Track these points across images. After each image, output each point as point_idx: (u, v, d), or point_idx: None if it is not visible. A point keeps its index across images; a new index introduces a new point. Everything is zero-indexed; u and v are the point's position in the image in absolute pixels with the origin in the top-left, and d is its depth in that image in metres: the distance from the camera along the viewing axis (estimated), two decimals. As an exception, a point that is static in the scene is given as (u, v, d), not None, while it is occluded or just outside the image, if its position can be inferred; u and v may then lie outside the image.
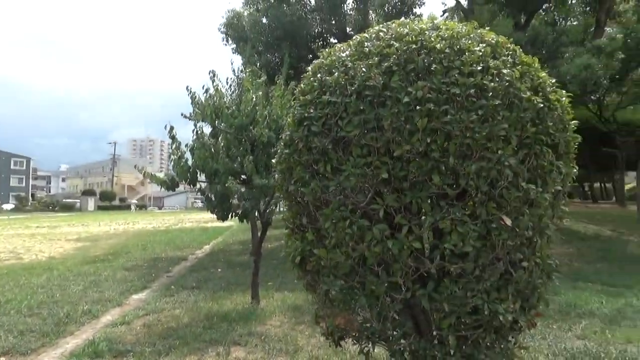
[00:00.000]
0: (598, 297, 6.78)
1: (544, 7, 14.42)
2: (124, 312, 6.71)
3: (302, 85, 3.10)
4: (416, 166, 2.53)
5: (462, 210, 2.51)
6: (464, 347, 2.75)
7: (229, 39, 17.05)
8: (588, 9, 14.79)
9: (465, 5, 16.92)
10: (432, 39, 2.71)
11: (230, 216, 7.09)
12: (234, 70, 8.17)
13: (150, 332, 5.65)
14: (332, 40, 16.93)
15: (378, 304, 2.69)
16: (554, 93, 2.80)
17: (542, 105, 2.65)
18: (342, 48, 3.06)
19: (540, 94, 2.72)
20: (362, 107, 2.64)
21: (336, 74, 2.82)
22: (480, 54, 2.67)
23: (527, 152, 2.63)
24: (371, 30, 3.04)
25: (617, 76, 13.76)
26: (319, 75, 2.97)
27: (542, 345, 4.61)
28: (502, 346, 2.82)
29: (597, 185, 41.94)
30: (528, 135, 2.61)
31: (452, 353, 2.69)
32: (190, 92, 6.87)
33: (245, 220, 7.12)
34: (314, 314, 3.16)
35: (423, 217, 2.58)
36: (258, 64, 16.65)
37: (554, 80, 2.94)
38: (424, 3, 14.91)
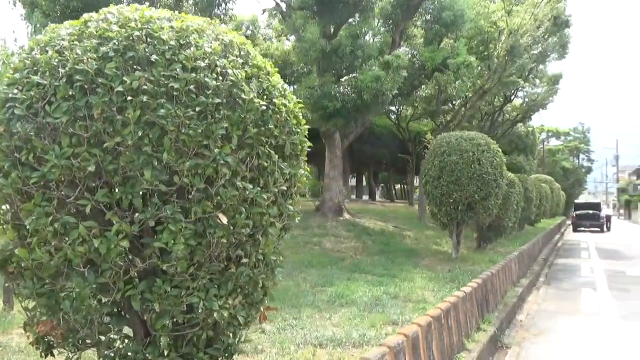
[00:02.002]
0: (365, 286, 7.56)
1: (350, 20, 15.66)
2: None
3: (15, 61, 2.71)
4: (127, 160, 2.39)
5: (175, 207, 2.46)
6: (182, 346, 2.71)
7: (17, 2, 14.67)
8: (386, 28, 16.56)
9: (283, 8, 17.42)
10: (160, 29, 2.60)
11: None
12: (15, 40, 7.04)
13: None
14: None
15: (84, 308, 2.48)
16: (281, 97, 2.93)
17: (265, 107, 2.74)
18: (66, 25, 2.76)
19: (266, 97, 2.82)
20: (72, 93, 2.40)
21: (50, 52, 2.52)
22: (210, 50, 2.66)
23: (249, 152, 2.70)
24: (102, 11, 2.81)
25: (406, 91, 15.76)
26: (34, 52, 2.63)
27: (297, 335, 4.90)
28: (222, 342, 2.86)
29: (398, 186, 47.48)
30: (250, 135, 2.68)
31: (165, 354, 2.64)
32: None
33: None
34: (23, 323, 2.80)
35: (136, 215, 2.47)
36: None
37: (286, 86, 3.10)
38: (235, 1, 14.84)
